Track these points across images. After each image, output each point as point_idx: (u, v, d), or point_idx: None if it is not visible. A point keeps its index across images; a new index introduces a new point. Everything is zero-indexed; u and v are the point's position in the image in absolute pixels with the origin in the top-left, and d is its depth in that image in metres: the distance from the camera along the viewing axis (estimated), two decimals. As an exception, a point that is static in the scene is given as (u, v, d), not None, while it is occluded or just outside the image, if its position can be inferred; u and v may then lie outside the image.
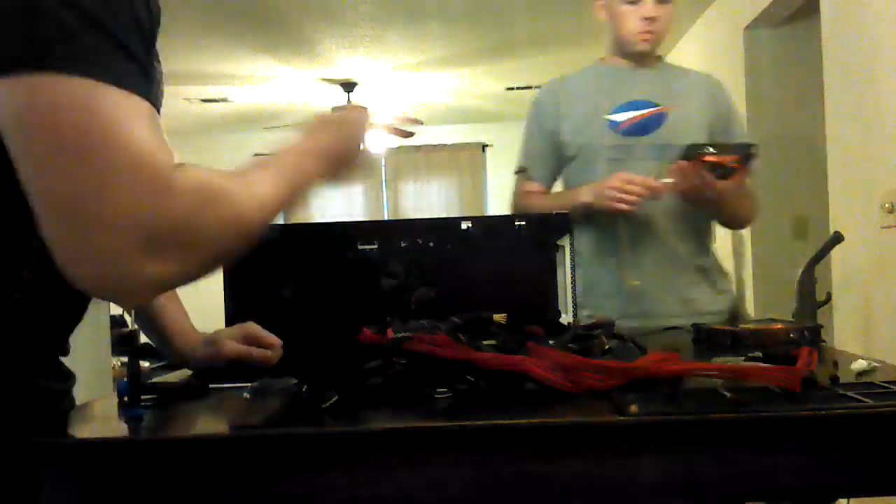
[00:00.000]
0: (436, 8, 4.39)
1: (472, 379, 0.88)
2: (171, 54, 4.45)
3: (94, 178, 0.66)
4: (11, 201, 0.73)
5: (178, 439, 0.79)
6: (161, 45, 0.79)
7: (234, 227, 0.76)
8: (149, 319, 1.18)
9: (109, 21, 0.69)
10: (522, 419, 0.79)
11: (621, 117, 1.89)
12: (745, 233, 4.02)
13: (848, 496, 0.80)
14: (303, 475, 0.78)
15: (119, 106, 0.68)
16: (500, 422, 0.78)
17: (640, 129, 1.89)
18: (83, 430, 0.81)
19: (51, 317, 0.87)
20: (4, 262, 0.79)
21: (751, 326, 1.26)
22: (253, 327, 1.13)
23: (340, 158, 0.95)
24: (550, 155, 1.97)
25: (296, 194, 0.87)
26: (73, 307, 0.89)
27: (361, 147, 0.99)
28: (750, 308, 4.01)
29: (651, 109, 1.90)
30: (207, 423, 0.91)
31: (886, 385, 0.89)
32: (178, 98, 5.85)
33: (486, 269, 1.19)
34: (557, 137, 1.94)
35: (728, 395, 0.82)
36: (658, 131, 1.88)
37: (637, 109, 1.90)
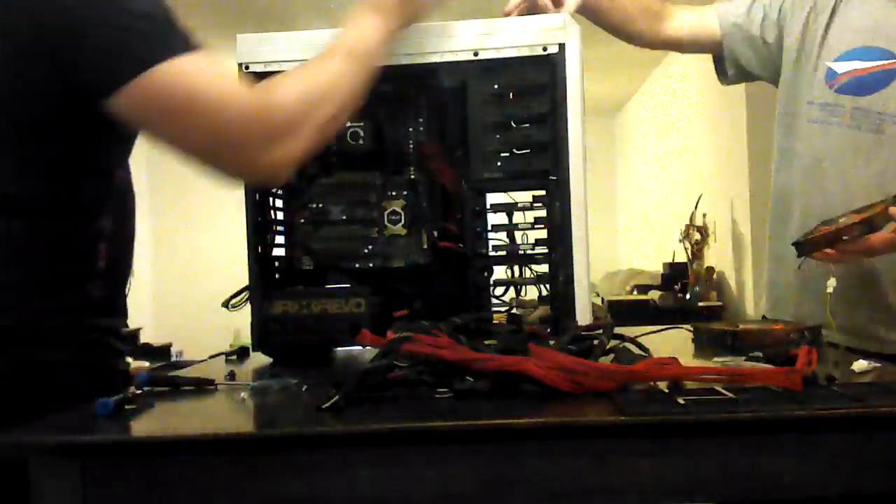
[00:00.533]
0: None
1: (472, 379, 0.88)
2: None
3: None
4: (83, 192, 1.02)
5: (178, 439, 0.79)
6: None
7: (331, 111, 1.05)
8: None
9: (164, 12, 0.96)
10: (522, 419, 0.79)
11: (842, 67, 1.41)
12: (746, 232, 4.02)
13: (848, 497, 0.79)
14: (303, 475, 0.78)
15: (200, 66, 0.95)
16: (501, 422, 0.78)
17: (857, 87, 1.39)
18: (83, 430, 0.81)
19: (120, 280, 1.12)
20: (86, 239, 1.03)
21: (751, 326, 1.26)
22: None
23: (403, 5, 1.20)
24: (755, 54, 1.52)
25: (370, 54, 1.13)
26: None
27: None
28: (750, 308, 4.01)
29: (885, 62, 1.38)
30: (207, 423, 0.91)
31: (886, 385, 0.89)
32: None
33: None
34: (774, 55, 1.50)
35: (728, 395, 0.82)
36: (878, 94, 1.38)
37: (867, 60, 1.39)
